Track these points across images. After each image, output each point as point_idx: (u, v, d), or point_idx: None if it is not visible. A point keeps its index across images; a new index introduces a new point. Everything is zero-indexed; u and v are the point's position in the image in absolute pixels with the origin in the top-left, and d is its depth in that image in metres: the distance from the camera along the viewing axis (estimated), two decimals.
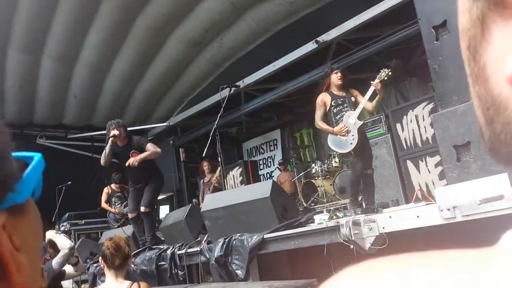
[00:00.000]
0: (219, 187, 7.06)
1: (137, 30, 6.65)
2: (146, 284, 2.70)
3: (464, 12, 0.32)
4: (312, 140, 9.35)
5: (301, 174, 7.99)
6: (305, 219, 3.78)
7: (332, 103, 4.78)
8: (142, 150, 5.34)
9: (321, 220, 3.50)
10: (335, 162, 7.25)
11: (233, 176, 8.20)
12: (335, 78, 4.82)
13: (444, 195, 2.80)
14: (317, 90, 8.38)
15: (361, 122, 4.65)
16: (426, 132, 5.79)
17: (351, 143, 4.60)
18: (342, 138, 4.65)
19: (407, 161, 5.92)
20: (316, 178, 7.19)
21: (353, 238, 3.07)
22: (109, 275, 2.69)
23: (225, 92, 5.62)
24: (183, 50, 7.02)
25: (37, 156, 0.38)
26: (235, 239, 3.83)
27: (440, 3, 3.30)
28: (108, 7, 6.28)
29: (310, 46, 6.48)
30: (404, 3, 5.03)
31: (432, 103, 5.69)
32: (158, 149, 5.41)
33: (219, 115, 5.10)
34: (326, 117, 4.82)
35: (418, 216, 2.91)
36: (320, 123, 4.81)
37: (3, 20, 6.19)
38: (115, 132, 5.21)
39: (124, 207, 7.13)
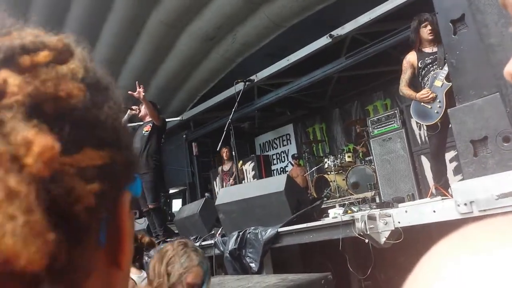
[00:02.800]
0: (242, 178, 7.18)
1: (150, 26, 6.68)
2: None
3: None
4: (325, 135, 9.33)
5: (313, 169, 7.99)
6: (314, 206, 3.78)
7: (419, 64, 3.97)
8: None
9: (335, 214, 3.51)
10: (348, 157, 7.23)
11: (246, 170, 8.23)
12: (425, 32, 3.95)
13: (461, 190, 2.78)
14: (331, 84, 8.42)
15: (450, 84, 3.64)
16: None
17: (436, 112, 3.76)
18: (427, 105, 3.81)
19: (421, 156, 5.88)
20: (329, 173, 7.18)
21: (368, 232, 3.07)
22: None
23: (239, 87, 5.62)
24: (196, 46, 7.04)
25: None
26: (249, 233, 3.85)
27: None
28: (123, 2, 6.31)
29: (324, 41, 6.45)
30: None
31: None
32: (157, 115, 5.51)
33: (233, 109, 5.11)
34: (414, 81, 4.05)
35: (434, 211, 2.90)
36: (404, 89, 4.03)
37: (18, 13, 6.26)
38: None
39: None
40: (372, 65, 7.33)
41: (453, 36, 3.36)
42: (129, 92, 5.32)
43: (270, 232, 3.70)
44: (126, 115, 5.53)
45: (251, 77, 6.50)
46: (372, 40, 6.26)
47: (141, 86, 5.32)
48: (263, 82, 7.48)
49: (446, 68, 3.72)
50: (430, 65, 3.92)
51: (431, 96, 3.77)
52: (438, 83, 3.79)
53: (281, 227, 3.68)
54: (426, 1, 3.95)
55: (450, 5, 3.38)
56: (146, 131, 5.67)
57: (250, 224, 3.98)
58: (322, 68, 6.89)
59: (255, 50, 7.40)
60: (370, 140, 6.36)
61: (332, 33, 6.33)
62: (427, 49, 3.99)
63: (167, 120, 9.02)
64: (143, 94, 5.31)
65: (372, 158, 6.39)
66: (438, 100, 3.77)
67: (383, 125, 6.25)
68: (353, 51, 6.53)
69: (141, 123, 5.89)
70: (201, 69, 7.84)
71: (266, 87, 7.78)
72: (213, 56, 7.48)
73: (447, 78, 3.72)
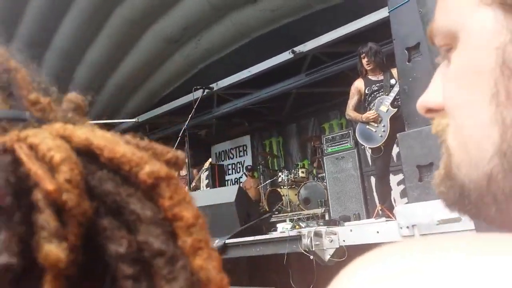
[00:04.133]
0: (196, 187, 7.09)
1: (113, 21, 6.53)
2: None
3: (495, 30, 0.32)
4: (281, 149, 9.40)
5: (267, 182, 8.02)
6: (263, 219, 3.79)
7: (366, 91, 4.17)
8: None
9: (283, 228, 3.52)
10: (302, 172, 7.32)
11: (201, 179, 8.14)
12: (364, 63, 4.21)
13: (404, 213, 2.86)
14: (289, 99, 8.53)
15: (395, 110, 3.90)
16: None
17: (380, 135, 3.95)
18: (372, 128, 4.01)
19: (371, 177, 6.03)
20: (282, 187, 7.23)
21: (313, 249, 3.10)
22: None
23: (198, 94, 5.58)
24: (159, 46, 6.94)
25: None
26: None
27: (415, 26, 3.39)
28: None
29: (286, 56, 6.52)
30: (381, 22, 5.14)
31: None
32: None
33: (190, 116, 5.06)
34: (360, 107, 4.24)
35: (378, 232, 2.97)
36: (350, 112, 4.23)
37: None
38: None
39: None
40: (331, 84, 7.48)
41: (407, 63, 3.48)
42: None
43: (217, 243, 3.66)
44: None
45: (211, 85, 6.47)
46: (332, 60, 6.40)
47: None
48: (223, 91, 7.46)
49: (391, 94, 3.98)
50: (377, 92, 4.15)
51: (375, 116, 3.96)
52: (383, 108, 4.02)
53: (228, 238, 3.65)
54: (385, 27, 4.08)
55: (407, 33, 3.50)
56: None
57: None
58: (282, 82, 6.96)
59: (218, 58, 7.39)
60: (324, 158, 6.47)
61: (294, 49, 6.42)
62: (373, 77, 4.23)
63: (122, 121, 8.84)
64: None
65: (324, 175, 6.49)
66: (382, 124, 3.98)
67: (337, 143, 6.38)
68: (313, 68, 6.64)
69: None
70: (162, 71, 7.74)
71: (226, 97, 7.77)
72: (175, 59, 7.40)
73: (393, 103, 3.99)
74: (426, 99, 0.40)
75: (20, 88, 0.33)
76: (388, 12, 3.76)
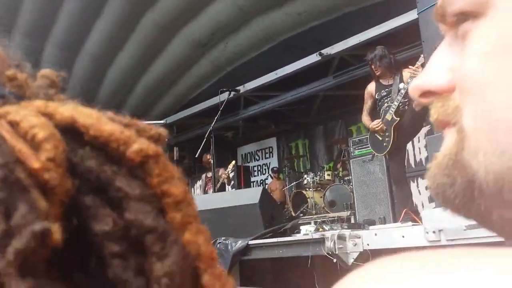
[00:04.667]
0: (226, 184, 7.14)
1: (144, 25, 6.66)
2: None
3: None
4: (307, 151, 9.36)
5: (292, 184, 8.00)
6: (290, 226, 3.78)
7: (376, 96, 4.16)
8: None
9: (307, 231, 3.51)
10: (328, 175, 7.26)
11: (229, 178, 8.19)
12: (373, 69, 4.17)
13: (430, 218, 2.81)
14: (316, 102, 8.49)
15: (398, 119, 3.89)
16: (420, 153, 5.82)
17: (385, 144, 3.97)
18: (378, 137, 4.02)
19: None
20: (307, 189, 7.20)
21: (337, 252, 3.07)
22: None
23: (224, 96, 5.63)
24: (187, 50, 7.04)
25: None
26: (219, 243, 3.82)
27: None
28: None
29: (313, 58, 6.51)
30: (409, 24, 5.07)
31: (429, 125, 5.72)
32: None
33: (216, 118, 5.11)
34: (374, 112, 4.21)
35: (403, 236, 2.92)
36: (364, 118, 4.26)
37: (10, 5, 6.20)
38: None
39: None
40: (358, 87, 7.37)
41: None
42: None
43: (240, 244, 3.68)
44: None
45: (238, 87, 6.51)
46: (359, 62, 6.34)
47: None
48: (250, 93, 7.49)
49: (395, 103, 3.91)
50: (385, 98, 4.09)
51: (380, 127, 3.96)
52: (388, 116, 3.98)
53: (251, 239, 3.66)
54: (413, 28, 4.02)
55: (436, 35, 3.44)
56: None
57: (222, 233, 3.95)
58: (309, 85, 6.94)
59: (245, 60, 7.43)
60: (350, 161, 6.40)
61: (322, 51, 6.40)
62: (384, 81, 4.17)
63: (150, 122, 8.98)
64: None
65: (351, 178, 6.43)
66: (387, 133, 3.96)
67: (364, 146, 6.29)
68: (340, 71, 6.60)
69: None
70: (190, 74, 7.84)
71: (253, 99, 7.80)
72: (203, 62, 7.49)
73: (397, 112, 3.91)
74: (425, 81, 0.35)
75: None
76: (417, 14, 3.71)
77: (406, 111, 3.99)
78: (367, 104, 4.24)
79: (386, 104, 4.05)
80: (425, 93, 0.35)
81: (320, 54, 6.42)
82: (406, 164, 5.93)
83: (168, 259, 0.24)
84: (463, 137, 0.32)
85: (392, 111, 3.94)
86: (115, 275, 0.24)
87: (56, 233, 0.23)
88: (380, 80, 4.17)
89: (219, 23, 6.44)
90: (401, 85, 4.00)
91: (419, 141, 5.86)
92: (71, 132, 0.26)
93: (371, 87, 4.25)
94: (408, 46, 5.64)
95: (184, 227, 0.26)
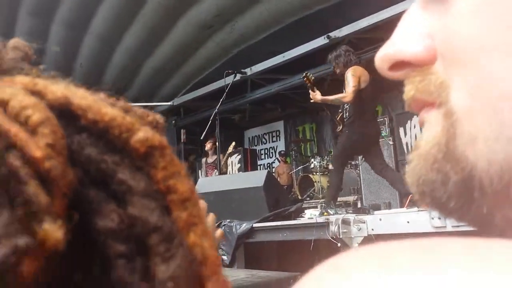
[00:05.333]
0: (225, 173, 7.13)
1: (149, 6, 6.60)
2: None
3: None
4: (314, 135, 9.32)
5: (299, 168, 7.98)
6: (294, 209, 3.78)
7: None
8: None
9: (311, 215, 3.50)
10: None
11: (232, 162, 8.20)
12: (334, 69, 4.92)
13: None
14: (324, 85, 8.41)
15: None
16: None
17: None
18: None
19: (406, 166, 5.90)
20: (314, 173, 7.18)
21: (341, 237, 3.07)
22: None
23: (230, 78, 5.58)
24: (193, 32, 6.97)
25: None
26: (224, 225, 3.83)
27: None
28: None
29: (321, 41, 6.42)
30: None
31: None
32: None
33: (221, 100, 5.08)
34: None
35: (408, 222, 2.90)
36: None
37: None
38: None
39: None
40: (367, 71, 7.31)
41: None
42: None
43: (244, 226, 3.68)
44: None
45: (245, 70, 6.46)
46: (368, 46, 6.25)
47: None
48: (257, 76, 7.43)
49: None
50: None
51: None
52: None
53: (256, 222, 3.66)
54: None
55: None
56: None
57: (226, 216, 3.96)
58: (316, 68, 6.86)
59: (252, 43, 7.36)
60: None
61: (330, 34, 6.31)
62: None
63: (157, 104, 8.99)
64: None
65: (357, 162, 6.40)
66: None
67: None
68: None
69: None
70: (197, 56, 7.78)
71: (260, 82, 7.74)
72: (209, 44, 7.42)
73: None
74: (396, 49, 0.28)
75: None
76: None
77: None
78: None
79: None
80: (397, 64, 0.28)
81: (328, 37, 6.33)
82: (404, 149, 5.94)
83: (173, 262, 0.22)
84: (453, 122, 0.25)
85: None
86: (120, 277, 0.22)
87: (57, 233, 0.20)
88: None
89: (225, 5, 6.36)
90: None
91: (415, 127, 5.82)
92: (66, 115, 0.23)
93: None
94: None
95: (189, 228, 0.24)
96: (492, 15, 0.23)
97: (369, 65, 6.61)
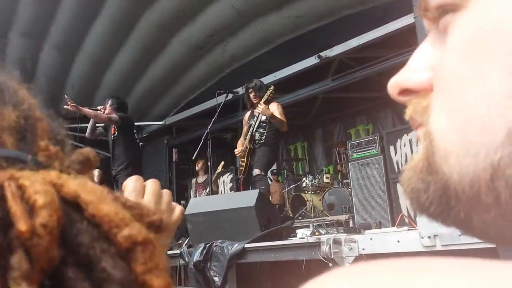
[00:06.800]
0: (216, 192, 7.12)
1: (142, 26, 6.65)
2: None
3: None
4: (306, 154, 9.35)
5: (291, 187, 7.98)
6: (285, 226, 3.78)
7: (248, 123, 5.27)
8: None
9: (303, 234, 3.49)
10: (326, 178, 7.25)
11: (223, 181, 8.18)
12: (251, 97, 5.36)
13: (425, 223, 2.79)
14: (315, 104, 8.48)
15: (250, 147, 5.06)
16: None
17: (241, 169, 5.30)
18: (240, 162, 5.37)
19: (397, 184, 5.92)
20: (306, 192, 7.18)
21: (332, 257, 3.06)
22: None
23: (222, 98, 5.62)
24: (185, 52, 7.03)
25: None
26: (215, 246, 3.81)
27: None
28: None
29: (312, 61, 6.50)
30: (408, 27, 5.06)
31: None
32: (105, 118, 5.47)
33: (213, 119, 5.11)
34: None
35: (398, 241, 2.91)
36: (238, 142, 5.45)
37: (7, 4, 6.20)
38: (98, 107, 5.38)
39: None
40: (358, 90, 7.41)
41: None
42: (65, 106, 5.32)
43: (236, 247, 3.66)
44: (91, 122, 5.58)
45: (237, 89, 6.50)
46: (359, 65, 6.33)
47: (68, 99, 5.30)
48: None
49: (250, 132, 5.01)
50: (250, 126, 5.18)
51: (239, 153, 5.17)
52: (246, 144, 5.12)
53: (247, 243, 3.65)
54: (413, 31, 4.01)
55: None
56: (113, 133, 5.66)
57: (218, 237, 3.94)
58: (308, 87, 6.93)
59: (244, 62, 7.43)
60: (349, 164, 6.39)
61: (320, 53, 6.39)
62: (255, 111, 5.14)
63: (149, 123, 8.98)
64: (74, 105, 5.28)
65: (349, 181, 6.41)
66: (242, 159, 5.20)
67: (362, 149, 6.29)
68: (339, 74, 6.59)
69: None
70: (188, 76, 7.82)
71: None
72: (202, 64, 7.47)
73: (250, 141, 5.08)
74: (404, 78, 0.34)
75: (35, 134, 0.36)
76: (414, 18, 3.70)
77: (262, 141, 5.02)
78: (243, 130, 5.13)
79: (248, 133, 5.02)
80: (404, 91, 0.34)
81: (319, 57, 6.41)
82: (394, 168, 5.97)
83: None
84: (431, 140, 0.30)
85: (247, 139, 4.95)
86: None
87: None
88: (254, 110, 5.04)
89: (217, 26, 6.43)
90: (263, 117, 4.91)
91: (417, 145, 5.83)
92: (74, 205, 0.28)
93: (246, 115, 5.25)
94: (406, 49, 5.64)
95: None
96: (473, 50, 0.27)
97: (359, 85, 6.71)
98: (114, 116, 5.49)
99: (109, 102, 5.71)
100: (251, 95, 5.05)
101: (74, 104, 5.25)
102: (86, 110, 5.35)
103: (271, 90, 4.91)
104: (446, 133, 0.28)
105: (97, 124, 5.78)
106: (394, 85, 0.34)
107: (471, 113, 0.27)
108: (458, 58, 0.28)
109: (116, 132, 5.59)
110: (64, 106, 5.35)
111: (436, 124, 0.29)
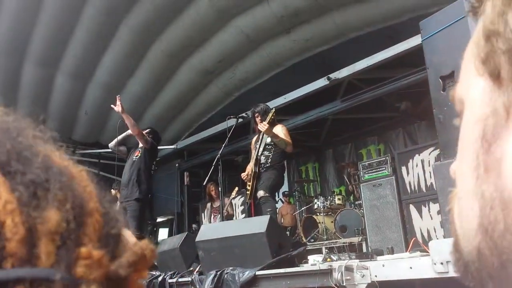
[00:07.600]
0: (230, 215, 7.12)
1: (152, 55, 6.77)
2: None
3: (483, 101, 0.32)
4: (317, 175, 9.30)
5: (303, 209, 7.92)
6: (297, 253, 3.73)
7: (256, 147, 5.21)
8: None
9: (314, 261, 3.45)
10: (338, 199, 7.19)
11: (235, 204, 8.16)
12: (258, 121, 5.20)
13: (438, 248, 2.75)
14: (326, 125, 8.48)
15: (255, 171, 5.09)
16: (431, 177, 5.71)
17: (247, 192, 5.36)
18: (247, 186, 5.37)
19: (410, 205, 5.85)
20: (318, 214, 7.12)
21: (344, 284, 3.01)
22: None
23: (232, 122, 5.65)
24: (195, 78, 7.12)
25: None
26: (227, 273, 3.78)
27: (449, 55, 3.32)
28: (127, 29, 6.43)
29: (321, 82, 6.53)
30: (416, 48, 5.07)
31: (439, 149, 5.65)
32: (140, 132, 5.52)
33: (224, 144, 5.13)
34: None
35: (411, 267, 2.86)
36: (248, 167, 5.42)
37: (22, 33, 6.36)
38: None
39: None
40: (367, 110, 7.40)
41: (441, 92, 3.40)
42: (111, 105, 5.40)
43: (247, 274, 3.63)
44: (123, 134, 5.67)
45: (247, 112, 6.54)
46: (367, 86, 6.34)
47: (119, 98, 5.35)
48: None
49: (255, 156, 5.06)
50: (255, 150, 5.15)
51: (246, 177, 5.18)
52: (252, 168, 5.09)
53: (259, 270, 3.61)
54: (421, 52, 4.02)
55: (440, 62, 3.43)
56: (136, 156, 5.68)
57: (229, 263, 3.91)
58: (318, 108, 6.94)
59: (255, 84, 7.49)
60: (361, 185, 6.34)
61: (330, 75, 6.42)
62: (261, 135, 5.14)
63: (161, 148, 9.04)
64: (122, 107, 5.32)
65: (361, 202, 6.35)
66: (248, 183, 5.29)
67: (374, 170, 6.24)
68: (349, 95, 6.60)
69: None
70: (199, 100, 7.91)
71: None
72: (211, 89, 7.56)
73: (256, 165, 5.08)
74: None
75: (80, 237, 0.31)
76: (421, 41, 3.71)
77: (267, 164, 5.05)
78: (251, 154, 5.14)
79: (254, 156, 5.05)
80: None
81: (328, 79, 6.44)
82: (417, 188, 5.89)
83: None
84: (452, 222, 0.36)
85: (253, 163, 5.00)
86: None
87: None
88: (260, 134, 5.08)
89: (227, 51, 6.52)
90: (268, 140, 4.96)
91: (429, 165, 5.78)
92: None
93: (253, 139, 5.26)
94: (415, 70, 5.64)
95: None
96: (459, 152, 0.34)
97: (369, 106, 6.69)
98: (149, 138, 5.68)
99: (147, 130, 5.86)
100: (258, 119, 5.08)
101: (122, 104, 5.31)
102: (128, 116, 5.41)
103: (272, 112, 4.92)
104: (456, 218, 0.35)
105: (126, 139, 5.87)
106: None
107: (462, 205, 0.32)
108: (457, 157, 0.35)
109: (140, 155, 5.62)
110: (111, 105, 5.43)
111: (455, 210, 0.36)
